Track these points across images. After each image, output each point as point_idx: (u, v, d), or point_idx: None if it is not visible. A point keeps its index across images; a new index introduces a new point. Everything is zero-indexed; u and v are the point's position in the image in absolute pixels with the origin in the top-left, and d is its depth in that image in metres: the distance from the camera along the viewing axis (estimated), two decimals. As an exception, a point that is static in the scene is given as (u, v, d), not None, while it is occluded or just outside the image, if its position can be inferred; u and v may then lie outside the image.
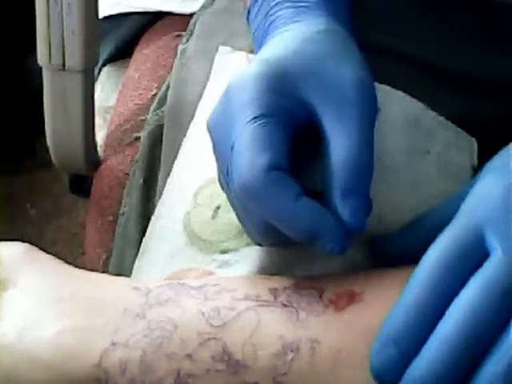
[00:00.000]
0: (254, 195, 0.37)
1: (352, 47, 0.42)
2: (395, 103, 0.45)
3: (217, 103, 0.41)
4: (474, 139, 0.46)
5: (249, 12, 0.50)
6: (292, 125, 0.40)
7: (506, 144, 0.40)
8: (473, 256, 0.35)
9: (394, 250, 0.42)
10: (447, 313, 0.33)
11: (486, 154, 0.41)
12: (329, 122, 0.39)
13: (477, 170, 0.44)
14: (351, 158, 0.38)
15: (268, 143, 0.38)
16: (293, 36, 0.43)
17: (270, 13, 0.46)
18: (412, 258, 0.37)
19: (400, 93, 0.46)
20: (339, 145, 0.38)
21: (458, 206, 0.37)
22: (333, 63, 0.40)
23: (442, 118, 0.46)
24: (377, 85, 0.45)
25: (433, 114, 0.46)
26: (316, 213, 0.37)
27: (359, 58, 0.41)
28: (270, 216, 0.38)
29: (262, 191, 0.37)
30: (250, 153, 0.38)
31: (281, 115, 0.39)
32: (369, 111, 0.40)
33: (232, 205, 0.42)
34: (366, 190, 0.39)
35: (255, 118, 0.38)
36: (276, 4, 0.46)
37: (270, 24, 0.46)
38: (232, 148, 0.39)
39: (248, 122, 0.38)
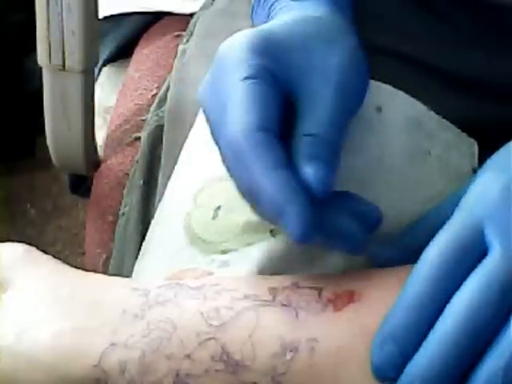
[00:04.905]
0: (239, 153, 0.37)
1: (347, 36, 0.42)
2: (397, 104, 0.45)
3: (208, 74, 0.41)
4: (474, 141, 0.46)
5: (252, 11, 0.50)
6: (280, 89, 0.39)
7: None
8: (472, 253, 0.35)
9: (394, 255, 0.41)
10: (446, 310, 0.33)
11: (486, 155, 0.41)
12: (305, 94, 0.39)
13: (477, 171, 0.44)
14: (317, 130, 0.38)
15: (259, 103, 0.37)
16: (287, 16, 0.43)
17: (272, 8, 0.46)
18: (412, 260, 0.37)
19: (402, 94, 0.46)
20: (309, 118, 0.38)
21: (457, 205, 0.37)
22: (320, 43, 0.40)
23: (443, 120, 0.46)
24: (379, 85, 0.45)
25: (434, 115, 0.46)
26: (289, 189, 0.35)
27: (352, 46, 0.41)
28: (250, 179, 0.36)
29: (245, 150, 0.36)
30: (242, 111, 0.37)
31: (269, 77, 0.39)
32: (346, 97, 0.39)
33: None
34: (331, 160, 0.38)
35: (246, 78, 0.38)
36: (276, 0, 0.46)
37: (271, 18, 0.46)
38: (225, 107, 0.38)
39: (240, 81, 0.38)
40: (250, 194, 0.38)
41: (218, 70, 0.40)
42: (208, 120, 0.40)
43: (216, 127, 0.39)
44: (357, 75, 0.41)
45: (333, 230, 0.38)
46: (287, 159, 0.37)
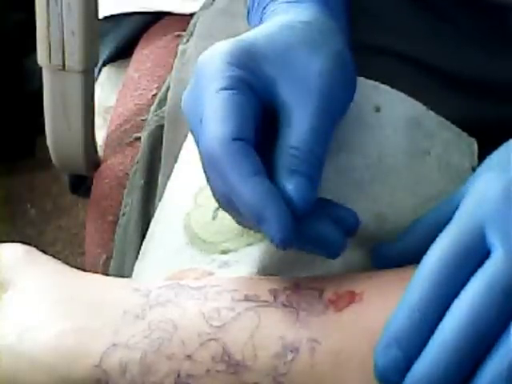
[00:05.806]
0: (215, 163, 0.37)
1: (333, 40, 0.42)
2: (396, 104, 0.45)
3: (190, 82, 0.41)
4: (474, 140, 0.46)
5: (248, 13, 0.50)
6: (257, 100, 0.39)
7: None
8: (474, 255, 0.34)
9: (394, 255, 0.41)
10: (448, 313, 0.33)
11: (486, 155, 0.40)
12: (286, 104, 0.39)
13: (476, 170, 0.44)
14: (299, 143, 0.38)
15: (235, 113, 0.38)
16: (273, 22, 0.43)
17: (265, 11, 0.46)
18: (412, 261, 0.37)
19: (401, 93, 0.46)
20: (290, 129, 0.38)
21: (457, 205, 0.37)
22: (302, 51, 0.40)
23: (442, 119, 0.46)
24: (377, 85, 0.45)
25: (433, 114, 0.46)
26: (266, 194, 0.36)
27: (337, 50, 0.41)
28: (227, 187, 0.37)
29: (221, 159, 0.37)
30: (217, 121, 0.38)
31: (245, 89, 0.39)
32: (329, 103, 0.39)
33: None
34: (313, 175, 0.38)
35: (223, 88, 0.38)
36: (271, 1, 0.46)
37: (264, 20, 0.46)
38: (201, 117, 0.39)
39: (216, 92, 0.38)
40: (227, 202, 0.39)
41: (198, 80, 0.40)
42: (189, 127, 0.41)
43: (195, 135, 0.40)
44: (341, 79, 0.41)
45: (312, 236, 0.39)
46: (263, 167, 0.37)
